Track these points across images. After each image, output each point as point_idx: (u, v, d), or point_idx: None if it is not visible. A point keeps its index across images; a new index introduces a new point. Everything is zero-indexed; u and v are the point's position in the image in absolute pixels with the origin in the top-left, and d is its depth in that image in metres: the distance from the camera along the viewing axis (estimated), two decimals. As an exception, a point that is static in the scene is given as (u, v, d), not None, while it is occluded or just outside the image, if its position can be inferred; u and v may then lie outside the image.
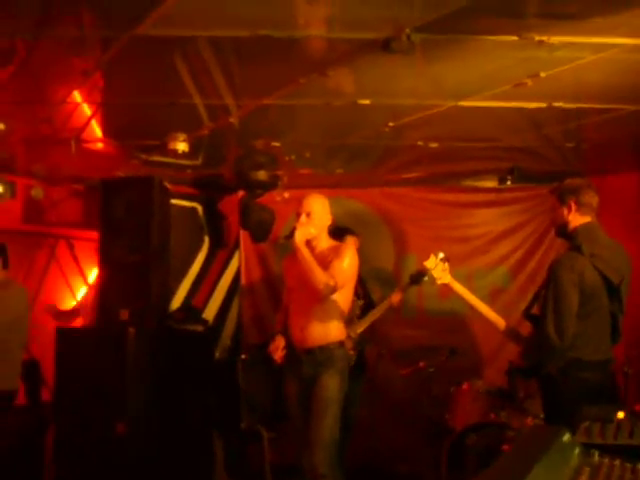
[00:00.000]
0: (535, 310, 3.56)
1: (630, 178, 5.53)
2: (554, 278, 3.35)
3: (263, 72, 3.39)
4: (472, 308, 5.58)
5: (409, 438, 5.54)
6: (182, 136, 4.42)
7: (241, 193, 5.68)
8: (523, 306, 3.86)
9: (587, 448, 1.49)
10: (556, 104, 3.83)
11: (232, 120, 4.15)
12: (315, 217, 3.78)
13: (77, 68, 3.47)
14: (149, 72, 3.63)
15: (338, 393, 3.67)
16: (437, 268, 3.64)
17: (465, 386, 4.96)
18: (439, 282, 3.68)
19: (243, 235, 6.01)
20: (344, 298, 3.80)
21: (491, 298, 5.66)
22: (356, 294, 4.49)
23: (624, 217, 5.11)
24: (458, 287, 3.67)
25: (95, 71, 3.48)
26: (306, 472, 3.71)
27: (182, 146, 4.42)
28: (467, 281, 5.72)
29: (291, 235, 3.63)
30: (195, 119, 4.29)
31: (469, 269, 5.72)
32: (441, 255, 3.71)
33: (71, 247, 6.46)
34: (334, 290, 3.63)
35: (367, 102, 3.73)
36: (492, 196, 5.92)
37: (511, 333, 3.66)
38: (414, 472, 5.35)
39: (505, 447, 3.69)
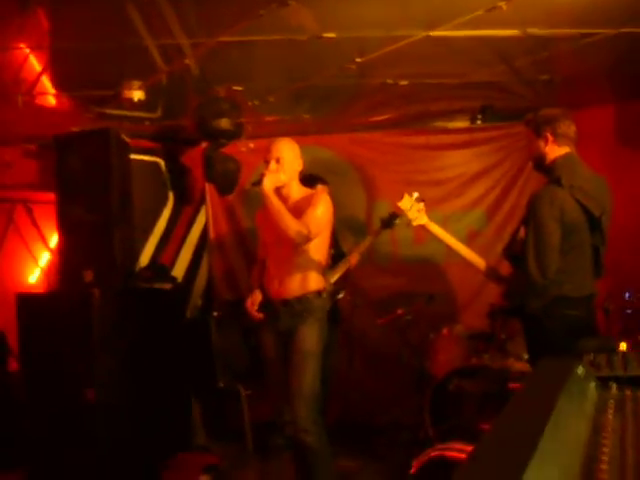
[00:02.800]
0: (515, 248, 3.43)
1: (605, 111, 5.40)
2: (534, 213, 3.21)
3: (218, 5, 3.14)
4: (449, 251, 5.61)
5: (389, 388, 5.46)
6: (137, 83, 4.16)
7: (204, 145, 5.43)
8: (500, 248, 3.73)
9: (602, 381, 1.35)
10: (530, 30, 3.65)
11: (188, 62, 3.89)
12: (285, 163, 3.57)
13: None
14: (97, 13, 3.37)
15: (317, 344, 3.52)
16: (412, 209, 3.46)
17: (445, 331, 4.89)
18: (415, 223, 3.51)
19: (209, 188, 5.79)
20: (320, 247, 3.62)
21: (468, 241, 5.50)
22: (328, 243, 4.33)
23: (601, 152, 4.98)
24: (435, 228, 3.51)
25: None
26: (287, 427, 3.58)
27: (138, 94, 4.17)
28: (442, 225, 5.45)
29: (259, 182, 3.41)
30: (149, 64, 4.04)
31: (444, 213, 5.58)
32: (415, 195, 3.53)
33: (29, 211, 6.18)
34: (308, 239, 3.45)
35: (332, 35, 3.51)
36: (464, 137, 5.75)
37: (492, 273, 3.52)
38: (395, 423, 5.28)
39: (513, 385, 3.58)
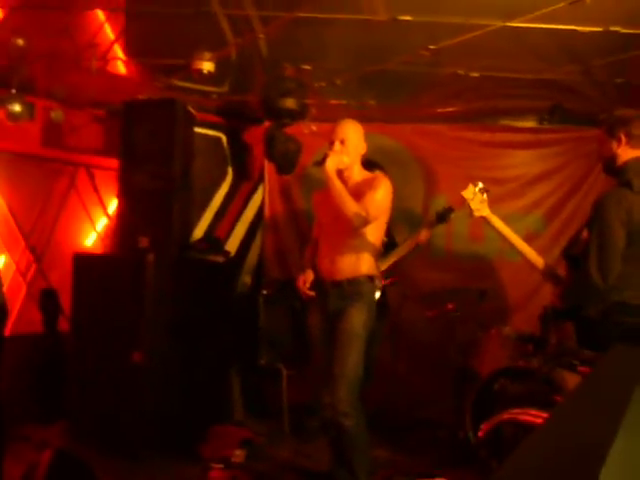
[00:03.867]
0: (576, 250, 3.34)
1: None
2: (600, 214, 3.12)
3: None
4: (504, 251, 5.55)
5: (431, 383, 5.40)
6: (208, 55, 4.17)
7: (267, 123, 5.45)
8: (557, 252, 3.65)
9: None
10: (613, 28, 3.54)
11: (258, 37, 3.89)
12: (349, 145, 3.54)
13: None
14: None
15: (363, 328, 3.49)
16: (475, 199, 3.41)
17: (493, 331, 4.79)
18: (477, 214, 3.46)
19: (268, 167, 5.80)
20: (376, 232, 3.60)
21: (525, 242, 5.44)
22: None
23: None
24: (496, 221, 3.45)
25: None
26: (327, 409, 3.57)
27: (207, 65, 4.18)
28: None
29: (322, 162, 3.40)
30: (220, 37, 4.07)
31: (502, 212, 5.29)
32: (480, 185, 3.48)
33: (91, 176, 6.29)
34: (366, 222, 3.43)
35: (408, 18, 3.46)
36: (530, 137, 5.62)
37: (550, 273, 3.45)
38: (434, 418, 5.22)
39: (583, 369, 3.45)
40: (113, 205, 6.39)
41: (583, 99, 5.07)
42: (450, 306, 4.86)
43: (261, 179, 5.95)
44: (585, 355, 3.27)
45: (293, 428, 4.98)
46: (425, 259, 5.62)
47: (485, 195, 3.45)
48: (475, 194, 3.44)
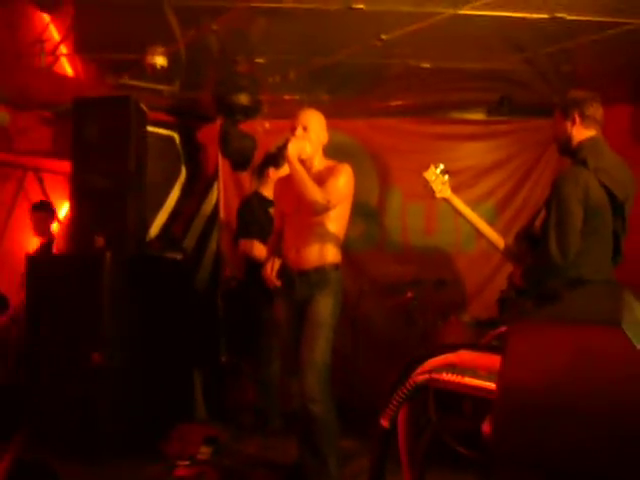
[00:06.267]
0: (534, 230, 3.42)
1: (621, 111, 5.37)
2: (557, 193, 3.19)
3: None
4: (457, 243, 5.64)
5: (392, 373, 5.42)
6: (160, 49, 4.14)
7: (219, 122, 5.42)
8: (510, 240, 3.72)
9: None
10: (559, 15, 3.65)
11: (214, 28, 3.87)
12: (312, 132, 3.56)
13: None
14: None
15: (331, 316, 3.50)
16: (437, 180, 3.46)
17: (453, 319, 4.86)
18: (438, 196, 3.50)
19: (222, 166, 5.77)
20: (339, 220, 3.61)
21: (477, 233, 5.54)
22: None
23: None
24: (458, 203, 3.50)
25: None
26: (295, 397, 3.56)
27: (160, 60, 4.16)
28: (454, 217, 5.59)
29: (284, 146, 3.39)
30: (169, 33, 4.04)
31: None
32: (441, 166, 3.52)
33: (40, 180, 6.17)
34: (327, 207, 3.44)
35: (361, 6, 3.50)
36: (480, 128, 5.74)
37: (510, 252, 3.51)
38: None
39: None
40: (64, 209, 6.27)
41: (530, 90, 5.20)
42: (409, 294, 4.91)
43: (215, 178, 5.91)
44: None
45: (256, 425, 4.94)
46: (383, 255, 5.69)
47: (446, 177, 3.50)
48: (437, 175, 3.49)
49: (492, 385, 1.62)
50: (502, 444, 1.26)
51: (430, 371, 1.87)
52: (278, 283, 3.62)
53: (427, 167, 5.60)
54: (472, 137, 5.74)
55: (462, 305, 5.43)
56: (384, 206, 5.80)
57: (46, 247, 5.61)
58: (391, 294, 5.17)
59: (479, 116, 5.77)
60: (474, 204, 5.68)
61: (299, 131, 3.52)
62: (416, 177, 5.52)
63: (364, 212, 5.67)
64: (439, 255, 5.64)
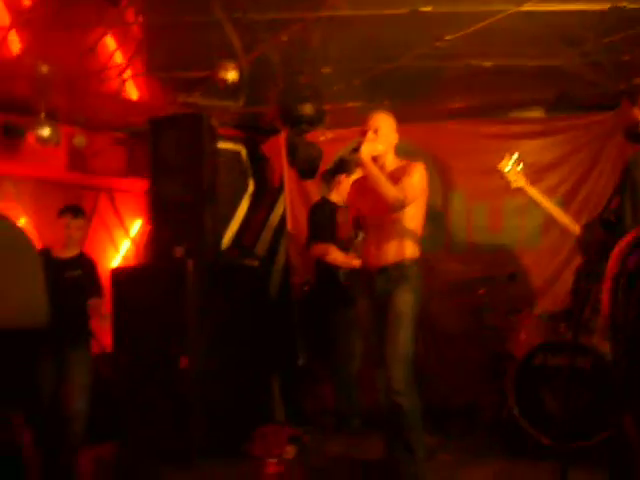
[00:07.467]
0: (609, 215, 3.46)
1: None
2: (630, 177, 3.25)
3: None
4: (522, 240, 5.67)
5: (464, 370, 5.47)
6: (231, 64, 4.33)
7: (284, 134, 5.59)
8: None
9: None
10: (621, 4, 3.71)
11: (283, 39, 4.05)
12: (382, 134, 3.67)
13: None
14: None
15: (412, 308, 3.59)
16: (511, 171, 3.53)
17: (525, 313, 4.90)
18: (514, 185, 3.58)
19: (287, 176, 5.93)
20: (416, 216, 3.71)
21: (544, 229, 5.58)
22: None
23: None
24: (532, 192, 3.57)
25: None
26: (380, 392, 3.65)
27: (232, 75, 4.34)
28: (520, 213, 5.65)
29: (357, 149, 3.52)
30: (231, 50, 4.25)
31: (519, 201, 5.58)
32: (515, 156, 3.59)
33: (112, 199, 6.41)
34: (404, 204, 3.54)
35: (428, 9, 3.62)
36: (539, 126, 5.79)
37: (585, 237, 3.56)
38: (472, 405, 5.28)
39: None
40: (135, 227, 6.52)
41: (588, 84, 5.23)
42: (481, 291, 4.96)
43: (281, 189, 6.07)
44: None
45: (336, 426, 5.03)
46: (449, 254, 5.76)
47: (521, 166, 3.57)
48: (511, 166, 3.56)
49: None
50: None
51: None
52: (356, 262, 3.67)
53: (488, 167, 5.72)
54: (532, 135, 5.77)
55: (532, 300, 5.45)
56: (447, 208, 5.87)
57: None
58: (461, 292, 5.23)
59: (538, 114, 5.82)
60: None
61: (370, 134, 3.64)
62: (478, 177, 5.66)
63: (428, 215, 5.72)
64: (506, 252, 5.67)
